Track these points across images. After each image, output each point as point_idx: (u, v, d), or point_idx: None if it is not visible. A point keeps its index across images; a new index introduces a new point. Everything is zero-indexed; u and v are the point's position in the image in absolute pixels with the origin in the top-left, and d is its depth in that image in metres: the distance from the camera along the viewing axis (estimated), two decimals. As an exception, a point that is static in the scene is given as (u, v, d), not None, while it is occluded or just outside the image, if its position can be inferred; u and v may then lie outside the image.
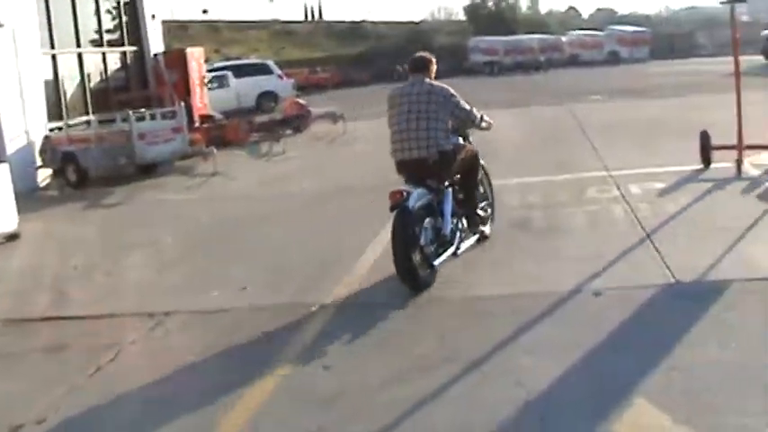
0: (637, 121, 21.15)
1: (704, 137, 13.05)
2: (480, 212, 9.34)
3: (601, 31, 76.80)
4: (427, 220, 8.31)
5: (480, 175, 9.52)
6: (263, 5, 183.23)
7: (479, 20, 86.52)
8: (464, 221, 9.04)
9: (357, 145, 20.88)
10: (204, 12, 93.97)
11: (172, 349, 7.15)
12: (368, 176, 14.82)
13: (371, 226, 10.40)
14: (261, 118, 26.00)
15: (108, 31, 23.35)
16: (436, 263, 8.24)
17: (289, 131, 22.97)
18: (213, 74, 33.95)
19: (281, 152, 19.97)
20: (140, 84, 24.39)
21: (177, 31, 66.26)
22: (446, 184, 8.79)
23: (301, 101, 27.48)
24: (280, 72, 40.66)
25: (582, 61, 68.60)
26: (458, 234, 8.83)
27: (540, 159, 15.47)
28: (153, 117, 18.78)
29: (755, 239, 8.80)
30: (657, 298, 7.23)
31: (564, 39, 74.84)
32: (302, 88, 45.49)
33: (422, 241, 8.12)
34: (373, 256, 9.35)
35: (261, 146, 21.25)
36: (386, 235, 9.38)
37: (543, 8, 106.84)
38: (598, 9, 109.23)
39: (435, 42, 79.24)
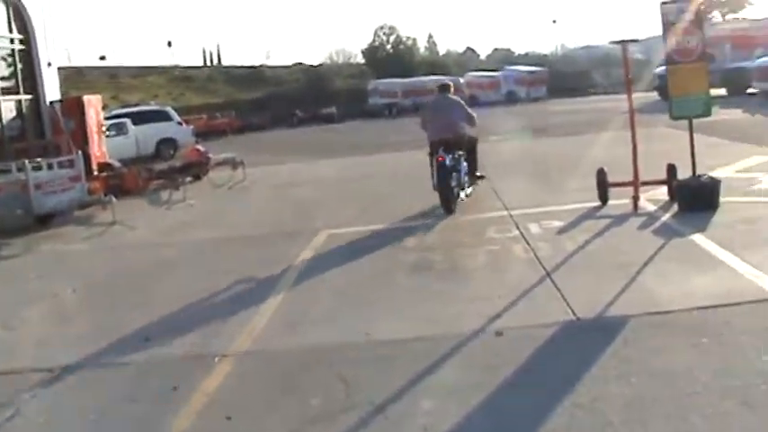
0: (536, 159, 21.47)
1: (601, 174, 13.28)
2: (477, 173, 15.99)
3: (498, 71, 77.89)
4: (453, 174, 14.22)
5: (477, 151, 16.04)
6: (162, 51, 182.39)
7: (378, 62, 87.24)
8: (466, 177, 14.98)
9: (256, 192, 20.80)
10: (102, 58, 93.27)
11: (72, 405, 6.99)
12: (265, 225, 14.90)
13: (271, 275, 10.43)
14: (160, 165, 25.73)
15: (2, 79, 22.90)
16: (461, 196, 14.56)
17: (188, 179, 22.76)
18: (111, 121, 33.56)
19: (182, 200, 19.77)
20: (37, 132, 23.91)
21: (74, 77, 65.62)
22: (460, 153, 14.75)
23: (200, 147, 27.31)
24: (179, 118, 40.39)
25: (480, 102, 69.36)
26: (466, 183, 14.96)
27: (438, 200, 15.53)
28: (50, 166, 18.40)
29: (653, 274, 8.95)
30: (559, 335, 7.29)
31: (462, 80, 75.59)
32: (202, 134, 45.31)
33: (452, 184, 14.10)
34: (274, 304, 9.28)
35: (161, 194, 21.03)
36: (286, 284, 9.50)
37: (441, 49, 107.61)
38: (495, 49, 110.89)
39: (334, 85, 79.85)
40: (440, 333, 7.62)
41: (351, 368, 6.98)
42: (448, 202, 13.89)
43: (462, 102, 15.93)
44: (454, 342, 7.29)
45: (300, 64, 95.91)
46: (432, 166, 14.65)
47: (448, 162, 14.13)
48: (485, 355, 6.96)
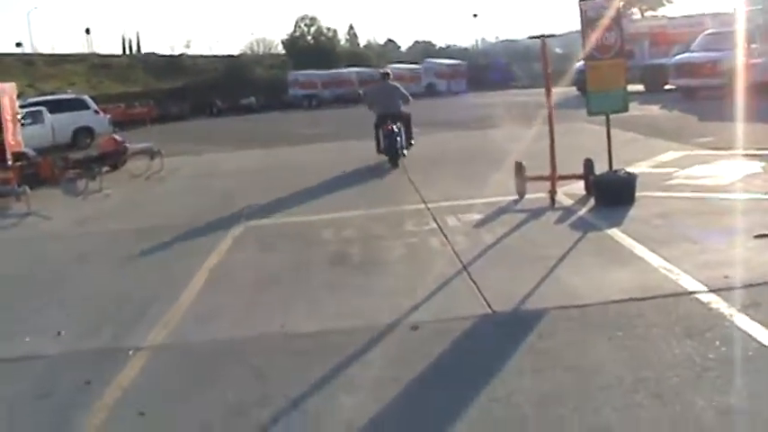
0: (455, 152, 21.55)
1: (518, 168, 13.36)
2: (411, 140, 21.00)
3: (419, 63, 78.07)
4: (397, 138, 19.34)
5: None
6: (80, 38, 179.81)
7: (299, 53, 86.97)
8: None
9: (174, 182, 20.57)
10: (18, 45, 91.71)
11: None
12: (182, 216, 14.73)
13: (187, 267, 10.32)
14: (76, 155, 25.29)
15: None
16: (404, 153, 19.80)
17: (105, 168, 22.45)
18: (27, 109, 32.93)
19: (98, 190, 19.48)
20: (-52, 121, 23.41)
21: (-11, 65, 64.43)
22: (399, 125, 19.72)
23: (118, 137, 26.91)
24: (96, 107, 39.84)
25: (400, 94, 69.45)
26: (403, 146, 19.87)
27: (356, 192, 15.57)
28: (-38, 156, 18.07)
29: (569, 268, 9.02)
30: (475, 329, 7.31)
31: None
32: (120, 123, 44.78)
33: (398, 145, 19.32)
34: (190, 296, 9.18)
35: (77, 184, 20.69)
36: (202, 277, 9.42)
37: (362, 41, 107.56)
38: (416, 42, 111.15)
39: (254, 75, 79.38)
40: (356, 326, 7.59)
41: (266, 361, 6.92)
42: (394, 159, 19.33)
43: (399, 86, 21.97)
44: (370, 336, 7.27)
45: (220, 56, 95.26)
46: (377, 136, 20.53)
47: (395, 129, 19.47)
48: (401, 349, 6.95)
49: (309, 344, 7.28)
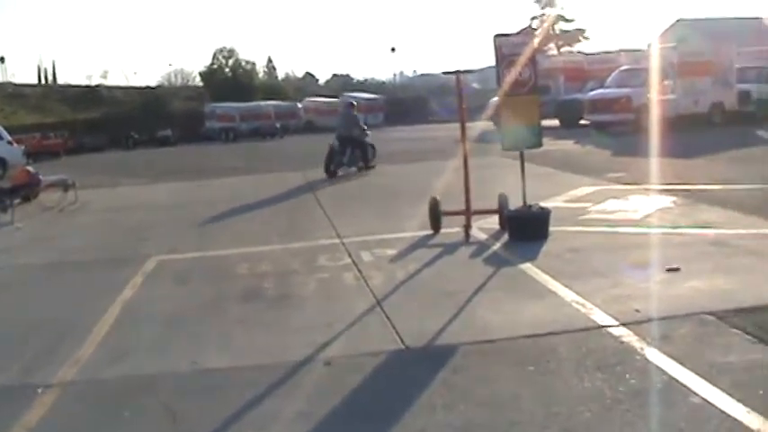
0: (371, 186, 21.59)
1: (433, 203, 13.40)
2: (370, 164, 26.18)
3: (336, 97, 78.18)
4: (335, 156, 25.16)
5: (367, 146, 26.53)
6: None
7: (216, 85, 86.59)
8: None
9: (88, 215, 20.26)
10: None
11: None
12: (95, 250, 14.54)
13: (100, 302, 10.15)
14: (-13, 186, 24.85)
15: None
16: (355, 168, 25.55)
17: (17, 200, 22.05)
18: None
19: (9, 223, 19.13)
20: None
21: None
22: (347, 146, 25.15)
23: (31, 169, 26.47)
24: (9, 138, 39.17)
25: (317, 127, 69.59)
26: (346, 163, 25.31)
27: (271, 227, 15.45)
28: None
29: (482, 303, 9.05)
30: (388, 364, 7.28)
31: (300, 105, 75.80)
32: (34, 154, 44.08)
33: (331, 162, 25.07)
34: (101, 332, 9.01)
35: (-13, 216, 20.29)
36: (114, 312, 9.28)
37: (280, 73, 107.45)
38: (334, 75, 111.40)
39: (172, 107, 78.86)
40: (268, 362, 7.50)
41: (178, 398, 6.81)
42: (328, 173, 24.62)
43: (356, 114, 27.63)
44: (283, 372, 7.19)
45: (137, 87, 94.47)
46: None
47: (336, 148, 25.52)
48: (313, 385, 6.89)
49: (221, 380, 7.18)
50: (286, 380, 7.04)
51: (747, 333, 7.40)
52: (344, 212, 16.56)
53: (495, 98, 19.48)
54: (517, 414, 5.95)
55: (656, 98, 35.20)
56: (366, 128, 27.50)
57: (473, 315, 8.60)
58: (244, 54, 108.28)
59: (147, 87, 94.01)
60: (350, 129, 26.41)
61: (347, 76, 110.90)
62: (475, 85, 63.97)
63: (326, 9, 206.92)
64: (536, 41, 13.31)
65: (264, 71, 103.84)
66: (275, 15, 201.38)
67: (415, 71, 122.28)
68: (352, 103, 28.42)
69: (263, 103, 74.83)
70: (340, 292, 10.09)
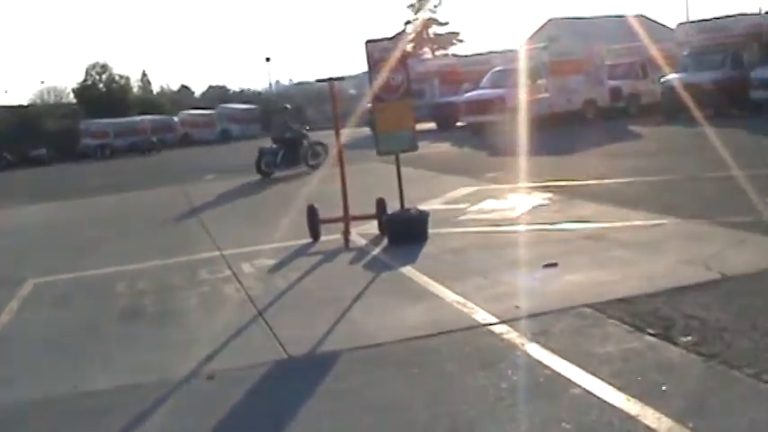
0: (250, 198, 21.47)
1: (311, 211, 13.37)
2: (310, 162, 27.68)
3: (213, 109, 77.66)
4: (265, 156, 27.08)
5: (306, 145, 28.18)
6: None
7: (91, 101, 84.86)
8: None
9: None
10: None
11: None
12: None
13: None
14: None
15: None
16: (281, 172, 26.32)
17: None
18: None
19: None
20: None
21: None
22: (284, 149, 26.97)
23: None
24: None
25: (194, 140, 69.02)
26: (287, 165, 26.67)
27: (150, 243, 15.22)
28: None
29: (363, 308, 9.06)
30: (271, 375, 7.23)
31: (176, 118, 75.04)
32: None
33: (262, 161, 26.94)
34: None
35: None
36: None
37: (155, 87, 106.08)
38: (210, 87, 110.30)
39: (45, 126, 77.10)
40: (151, 381, 7.36)
41: (61, 423, 6.68)
42: (261, 173, 26.60)
43: (287, 119, 29.25)
44: (165, 389, 7.07)
45: (8, 106, 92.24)
46: None
47: (266, 150, 27.51)
48: (196, 401, 6.80)
49: (104, 401, 7.01)
50: (169, 397, 6.93)
51: (624, 323, 7.56)
52: (224, 225, 16.44)
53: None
54: (402, 417, 5.96)
55: (529, 97, 35.75)
56: (306, 129, 30.36)
57: (355, 321, 8.61)
58: (117, 69, 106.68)
59: (20, 106, 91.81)
60: (282, 132, 28.19)
61: (223, 87, 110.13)
62: (352, 91, 64.13)
63: (199, 20, 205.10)
64: (409, 46, 13.37)
65: (139, 85, 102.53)
66: (148, 29, 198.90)
67: (291, 80, 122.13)
68: (285, 107, 31.55)
69: (138, 117, 73.78)
70: (221, 305, 9.99)
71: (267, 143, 28.86)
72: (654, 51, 41.65)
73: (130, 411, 6.64)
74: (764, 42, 37.20)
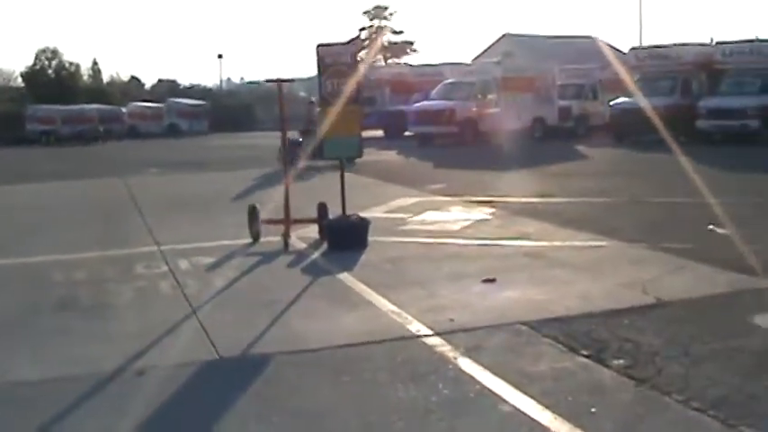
0: (193, 194, 21.29)
1: (252, 211, 13.29)
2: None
3: (162, 102, 77.07)
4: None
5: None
6: None
7: (39, 87, 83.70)
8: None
9: None
10: None
11: None
12: None
13: None
14: None
15: None
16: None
17: None
18: None
19: None
20: None
21: None
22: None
23: None
24: None
25: (141, 132, 68.50)
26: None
27: (89, 235, 15.00)
28: None
29: (299, 312, 9.03)
30: (201, 375, 7.16)
31: (124, 109, 74.40)
32: None
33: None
34: None
35: None
36: None
37: (105, 76, 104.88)
38: (160, 80, 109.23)
39: (-11, 109, 75.89)
40: (80, 373, 7.24)
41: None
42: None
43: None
44: (94, 383, 6.96)
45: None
46: None
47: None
48: (124, 396, 6.69)
49: (33, 392, 6.90)
50: (97, 391, 6.82)
51: (558, 342, 7.59)
52: (163, 219, 16.26)
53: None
54: (331, 424, 5.95)
55: (479, 112, 35.94)
56: None
57: (289, 324, 8.56)
58: (68, 55, 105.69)
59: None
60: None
61: (174, 81, 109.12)
62: (302, 94, 64.01)
63: (154, 12, 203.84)
64: (362, 52, 13.35)
65: (89, 74, 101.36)
66: (101, 16, 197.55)
67: (242, 78, 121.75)
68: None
69: (86, 106, 72.76)
70: (156, 301, 9.89)
71: (216, 140, 28.59)
72: (606, 74, 42.12)
73: (58, 404, 6.53)
74: (713, 72, 37.69)
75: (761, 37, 39.31)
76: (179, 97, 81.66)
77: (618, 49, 60.70)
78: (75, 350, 8.06)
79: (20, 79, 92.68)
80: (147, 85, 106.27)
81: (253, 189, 18.56)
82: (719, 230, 12.88)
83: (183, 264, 11.83)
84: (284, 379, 6.92)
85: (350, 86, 12.79)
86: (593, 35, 62.52)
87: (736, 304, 8.85)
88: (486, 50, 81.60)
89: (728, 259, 10.71)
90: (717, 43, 39.55)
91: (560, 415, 5.85)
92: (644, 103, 34.55)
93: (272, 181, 17.82)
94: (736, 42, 38.15)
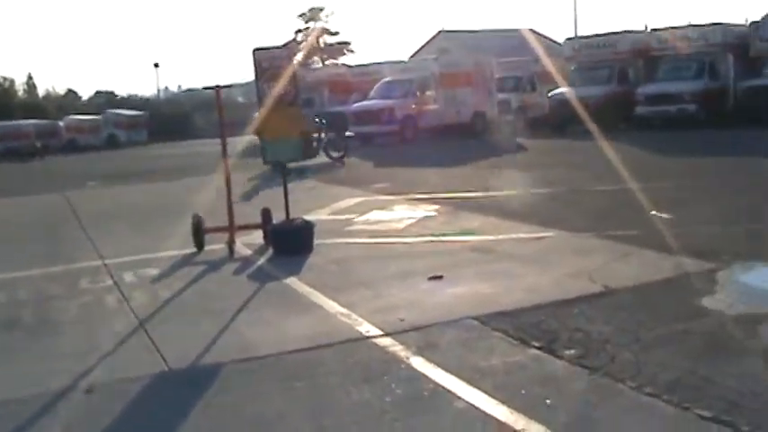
0: (135, 205, 21.11)
1: (196, 220, 13.17)
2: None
3: (100, 114, 76.43)
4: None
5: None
6: None
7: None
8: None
9: None
10: None
11: None
12: None
13: None
14: None
15: None
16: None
17: None
18: None
19: None
20: None
21: None
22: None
23: None
24: None
25: (80, 146, 67.83)
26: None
27: (30, 252, 14.78)
28: None
29: (247, 320, 8.94)
30: (151, 388, 7.06)
31: (61, 123, 73.67)
32: None
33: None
34: None
35: None
36: None
37: (41, 91, 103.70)
38: (97, 92, 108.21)
39: None
40: (26, 394, 7.10)
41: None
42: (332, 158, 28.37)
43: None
44: (42, 403, 6.84)
45: None
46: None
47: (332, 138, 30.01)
48: (74, 415, 6.59)
49: (-25, 416, 6.78)
50: (45, 411, 6.70)
51: (509, 336, 7.60)
52: (107, 233, 16.05)
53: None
54: (285, 431, 5.89)
55: (418, 109, 36.02)
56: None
57: (238, 332, 8.48)
58: (1, 71, 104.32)
59: None
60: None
61: (111, 92, 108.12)
62: (240, 99, 63.82)
63: (87, 25, 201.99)
64: (298, 55, 13.31)
65: (24, 89, 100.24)
66: (35, 31, 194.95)
67: (180, 86, 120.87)
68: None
69: (22, 122, 71.92)
70: (102, 315, 9.74)
71: (155, 150, 28.34)
72: (544, 65, 42.40)
73: (4, 427, 6.42)
74: (649, 59, 38.12)
75: (694, 23, 39.83)
76: (117, 108, 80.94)
77: (554, 41, 61.16)
78: (21, 370, 7.92)
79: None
80: (85, 98, 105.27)
81: (195, 198, 18.37)
82: (663, 215, 12.99)
83: (129, 276, 11.68)
84: (236, 388, 6.85)
85: (288, 89, 12.74)
86: (521, 27, 62.79)
87: (682, 288, 8.93)
88: (422, 47, 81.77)
89: (673, 243, 10.81)
90: (651, 30, 39.96)
91: (515, 409, 5.85)
92: (582, 92, 34.91)
93: (212, 189, 17.64)
94: (669, 29, 38.63)
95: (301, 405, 6.34)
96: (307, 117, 27.02)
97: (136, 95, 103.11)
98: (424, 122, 37.53)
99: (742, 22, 40.25)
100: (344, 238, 13.38)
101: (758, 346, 7.00)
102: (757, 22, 37.17)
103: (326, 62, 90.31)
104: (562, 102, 36.10)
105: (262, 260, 12.15)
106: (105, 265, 12.66)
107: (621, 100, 35.46)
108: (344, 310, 8.83)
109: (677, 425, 5.57)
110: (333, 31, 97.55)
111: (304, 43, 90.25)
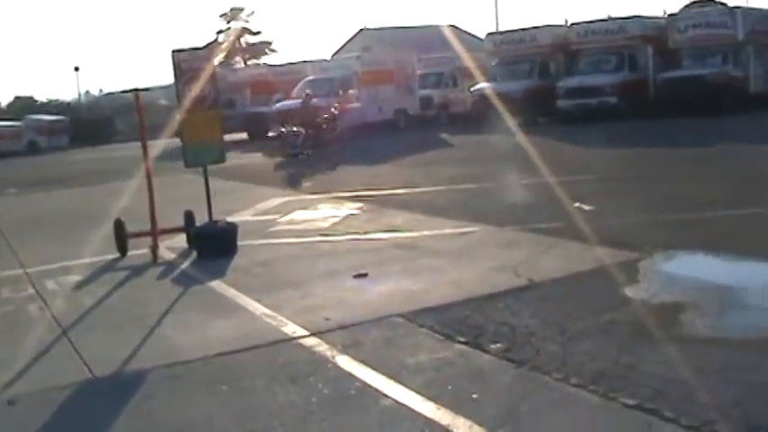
0: (56, 212, 20.80)
1: (118, 225, 13.01)
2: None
3: (19, 120, 75.22)
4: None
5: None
6: None
7: None
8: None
9: None
10: None
11: None
12: None
13: None
14: None
15: None
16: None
17: None
18: None
19: None
20: None
21: None
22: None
23: None
24: None
25: (0, 152, 66.74)
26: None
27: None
28: None
29: (172, 324, 8.88)
30: (77, 397, 6.97)
31: (-21, 130, 72.38)
32: None
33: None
34: None
35: None
36: None
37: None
38: (17, 97, 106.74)
39: None
40: (-53, 408, 7.01)
41: None
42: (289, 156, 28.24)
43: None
44: (-38, 416, 6.74)
45: None
46: None
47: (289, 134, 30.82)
48: (-3, 428, 6.50)
49: None
50: (-34, 425, 6.61)
51: (435, 332, 7.65)
52: (27, 240, 15.79)
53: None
54: (212, 436, 5.85)
55: (341, 107, 36.00)
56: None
57: (163, 337, 8.42)
58: None
59: None
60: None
61: (31, 97, 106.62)
62: (163, 102, 63.23)
63: (4, 27, 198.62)
64: (220, 55, 13.23)
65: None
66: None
67: (101, 90, 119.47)
68: (308, 93, 34.64)
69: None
70: (24, 325, 9.57)
71: (77, 155, 27.87)
72: (465, 61, 42.61)
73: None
74: (570, 53, 38.53)
75: (613, 15, 40.36)
76: (37, 114, 79.75)
77: (476, 36, 61.50)
78: (-60, 384, 7.79)
79: None
80: (3, 104, 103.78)
81: (117, 202, 18.14)
82: (585, 207, 13.14)
83: (50, 284, 11.49)
84: (161, 393, 6.80)
85: (208, 91, 12.64)
86: (440, 24, 63.11)
87: (606, 278, 9.06)
88: (344, 46, 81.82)
89: (596, 235, 10.95)
90: (571, 24, 40.37)
91: (442, 405, 5.89)
92: (503, 87, 35.15)
93: (134, 193, 17.43)
94: (589, 22, 39.07)
95: (228, 408, 6.31)
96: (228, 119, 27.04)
97: (56, 100, 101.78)
98: (346, 121, 37.57)
99: (660, 14, 40.86)
100: (269, 238, 13.34)
101: (680, 334, 7.11)
102: (675, 14, 37.78)
103: (248, 62, 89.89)
104: (483, 97, 36.32)
105: (186, 264, 12.06)
106: (26, 273, 12.45)
107: (543, 94, 35.80)
108: (270, 312, 8.81)
109: (603, 414, 5.64)
110: (254, 30, 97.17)
111: (225, 43, 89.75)
